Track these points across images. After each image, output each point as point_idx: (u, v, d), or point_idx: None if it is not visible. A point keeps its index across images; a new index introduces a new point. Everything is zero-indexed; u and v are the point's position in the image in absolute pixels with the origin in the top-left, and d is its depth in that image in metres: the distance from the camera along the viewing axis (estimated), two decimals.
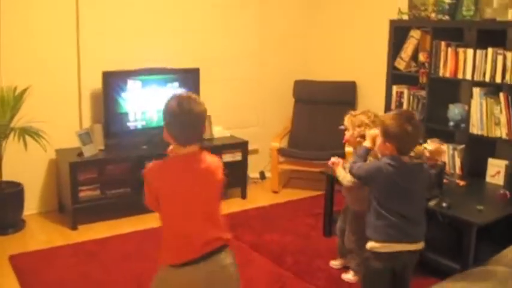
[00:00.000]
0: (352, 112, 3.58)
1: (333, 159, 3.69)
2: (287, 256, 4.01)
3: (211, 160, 2.45)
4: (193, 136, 2.39)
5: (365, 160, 3.09)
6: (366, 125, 3.44)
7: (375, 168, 2.87)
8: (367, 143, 3.15)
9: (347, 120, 3.55)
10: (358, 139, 3.44)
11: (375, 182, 2.87)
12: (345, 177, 3.48)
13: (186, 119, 2.34)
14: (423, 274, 3.65)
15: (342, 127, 3.58)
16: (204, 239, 2.39)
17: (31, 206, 4.64)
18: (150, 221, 4.53)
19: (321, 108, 5.62)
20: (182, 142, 2.37)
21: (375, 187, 2.88)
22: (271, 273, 3.78)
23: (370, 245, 2.90)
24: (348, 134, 3.55)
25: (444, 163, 4.06)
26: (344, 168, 3.51)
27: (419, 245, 2.92)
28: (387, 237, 2.84)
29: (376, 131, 3.25)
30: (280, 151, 5.43)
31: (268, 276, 3.73)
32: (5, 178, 4.36)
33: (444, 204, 3.58)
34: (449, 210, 3.55)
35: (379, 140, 2.89)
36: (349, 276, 3.70)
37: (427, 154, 3.79)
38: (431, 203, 3.63)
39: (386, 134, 2.81)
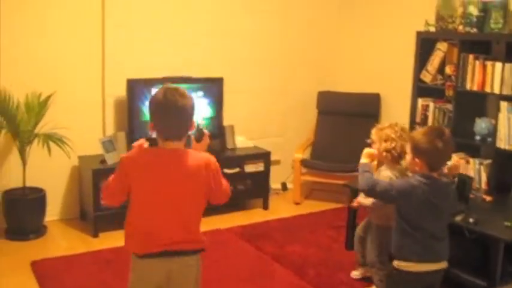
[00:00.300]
0: (379, 126, 3.52)
1: (355, 203, 3.76)
2: (309, 268, 3.97)
3: (195, 158, 2.34)
4: (177, 130, 2.29)
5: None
6: (392, 140, 3.39)
7: (407, 186, 2.78)
8: (365, 160, 3.05)
9: (374, 134, 3.50)
10: (385, 154, 3.40)
11: (406, 201, 2.78)
12: (365, 200, 3.50)
13: (169, 110, 2.25)
14: None
15: (369, 141, 3.54)
16: (170, 238, 2.34)
17: (53, 212, 4.65)
18: None
19: (344, 120, 5.58)
20: (165, 135, 2.29)
21: (405, 205, 2.80)
22: (293, 285, 3.75)
23: (398, 263, 2.84)
24: (374, 148, 3.49)
25: (471, 178, 3.99)
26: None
27: (444, 264, 2.86)
28: (415, 256, 2.78)
29: (373, 150, 3.21)
30: (303, 162, 5.39)
31: None
32: (28, 184, 4.37)
33: (471, 220, 3.51)
34: (476, 226, 3.47)
35: (408, 157, 2.84)
36: None
37: (445, 170, 3.73)
38: (458, 218, 3.56)
39: (416, 150, 2.77)
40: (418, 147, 2.75)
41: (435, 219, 2.78)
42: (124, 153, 2.37)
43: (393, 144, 3.38)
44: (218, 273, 3.77)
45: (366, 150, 3.15)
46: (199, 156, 2.37)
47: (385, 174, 3.35)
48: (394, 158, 3.40)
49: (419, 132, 2.84)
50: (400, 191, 2.80)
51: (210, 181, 2.38)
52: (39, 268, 3.83)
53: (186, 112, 2.28)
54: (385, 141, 3.41)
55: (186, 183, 2.33)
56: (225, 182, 2.50)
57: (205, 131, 2.52)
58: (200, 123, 2.44)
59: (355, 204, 3.75)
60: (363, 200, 3.54)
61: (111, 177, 2.39)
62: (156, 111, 2.29)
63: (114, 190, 2.38)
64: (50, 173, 4.56)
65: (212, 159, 2.41)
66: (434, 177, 2.77)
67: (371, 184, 2.88)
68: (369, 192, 2.98)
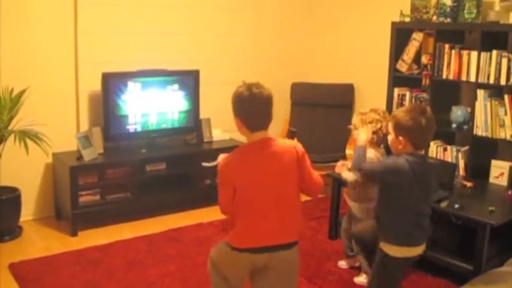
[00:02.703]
0: (361, 111, 3.58)
1: (339, 163, 3.71)
2: None
3: (283, 143, 2.51)
4: (263, 121, 2.46)
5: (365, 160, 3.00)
6: (377, 121, 3.47)
7: (394, 165, 2.74)
8: (361, 142, 3.03)
9: (356, 119, 3.56)
10: (371, 136, 3.44)
11: (395, 179, 2.73)
12: (349, 175, 3.45)
13: (257, 103, 2.43)
14: (432, 274, 3.71)
15: (350, 126, 3.58)
16: (274, 230, 2.48)
17: (27, 212, 4.47)
18: (151, 227, 4.47)
19: (318, 110, 5.59)
20: (253, 127, 2.46)
21: (394, 184, 2.75)
22: None
23: (388, 248, 2.82)
24: (356, 133, 3.53)
25: (455, 164, 4.08)
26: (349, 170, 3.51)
27: (424, 246, 2.89)
28: (411, 240, 2.79)
29: (363, 130, 3.22)
30: None
31: None
32: (1, 183, 4.20)
33: (456, 206, 3.59)
34: (462, 212, 3.55)
35: (390, 137, 2.82)
36: (361, 280, 3.67)
37: None
38: (443, 205, 3.64)
39: (399, 128, 2.73)
40: (401, 125, 2.72)
41: (426, 198, 2.79)
42: (221, 162, 2.53)
43: (379, 125, 3.45)
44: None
45: (359, 131, 3.19)
46: (286, 141, 2.57)
47: (370, 156, 3.38)
48: (380, 139, 3.47)
49: (401, 110, 2.81)
50: (388, 169, 2.78)
51: (298, 166, 2.51)
52: (18, 271, 3.68)
53: (271, 102, 2.48)
54: (370, 123, 3.46)
55: (283, 166, 2.47)
56: (315, 173, 2.62)
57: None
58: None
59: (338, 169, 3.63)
60: (345, 175, 3.47)
61: (219, 191, 2.53)
62: (243, 107, 2.46)
63: (226, 199, 2.49)
64: (22, 171, 4.38)
65: (298, 145, 2.57)
66: (423, 155, 2.77)
67: (360, 164, 2.91)
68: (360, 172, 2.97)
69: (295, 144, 2.55)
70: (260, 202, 2.45)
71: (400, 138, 2.73)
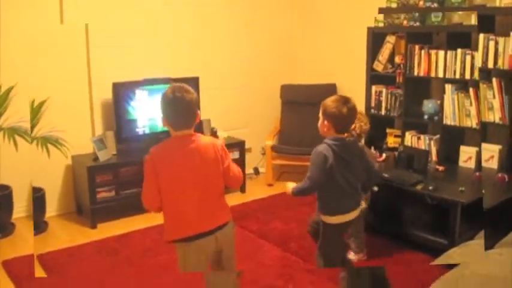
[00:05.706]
0: None
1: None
2: (291, 242, 4.05)
3: (204, 140, 2.47)
4: (186, 121, 2.43)
5: None
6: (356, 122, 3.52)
7: (320, 157, 2.88)
8: (291, 186, 3.08)
9: None
10: (345, 135, 3.48)
11: (327, 169, 2.87)
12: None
13: (179, 105, 2.38)
14: (411, 249, 3.80)
15: None
16: (200, 216, 2.45)
17: (51, 208, 4.58)
18: (161, 218, 4.49)
19: (305, 108, 5.64)
20: (175, 126, 2.43)
21: (327, 172, 2.89)
22: (279, 257, 3.82)
23: (328, 219, 3.03)
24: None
25: (428, 151, 4.19)
26: None
27: (359, 209, 3.12)
28: (342, 209, 3.00)
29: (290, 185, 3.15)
30: (274, 148, 5.49)
31: (277, 261, 3.77)
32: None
33: (430, 188, 3.70)
34: (436, 193, 3.65)
35: (320, 120, 2.98)
36: (349, 257, 3.78)
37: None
38: (419, 187, 3.75)
39: (325, 114, 2.92)
40: (327, 112, 2.90)
41: (350, 173, 2.96)
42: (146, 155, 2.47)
43: (352, 126, 3.49)
44: None
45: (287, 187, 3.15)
46: (207, 138, 2.54)
47: None
48: (353, 137, 3.52)
49: (329, 99, 2.96)
50: (319, 163, 2.88)
51: (220, 160, 2.49)
52: (46, 261, 3.76)
53: (193, 105, 2.43)
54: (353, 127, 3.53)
55: (203, 159, 2.43)
56: (235, 167, 2.60)
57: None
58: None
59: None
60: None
61: (144, 184, 2.47)
62: (167, 107, 2.42)
63: (151, 190, 2.44)
64: (45, 172, 4.46)
65: (217, 141, 2.54)
66: (342, 137, 2.94)
67: (301, 190, 2.99)
68: (299, 194, 3.02)
69: (214, 140, 2.53)
70: (184, 194, 2.42)
71: (326, 122, 2.92)
